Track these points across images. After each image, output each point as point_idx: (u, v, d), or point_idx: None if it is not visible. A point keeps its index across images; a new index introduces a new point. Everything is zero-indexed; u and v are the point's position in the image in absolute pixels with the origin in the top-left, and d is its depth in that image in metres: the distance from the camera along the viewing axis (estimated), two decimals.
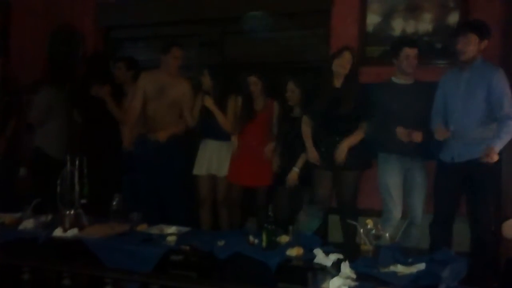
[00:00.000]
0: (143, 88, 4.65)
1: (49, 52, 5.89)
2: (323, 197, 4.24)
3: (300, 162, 4.32)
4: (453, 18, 4.38)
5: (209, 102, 4.56)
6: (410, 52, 4.01)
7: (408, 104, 3.99)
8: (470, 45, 3.70)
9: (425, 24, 4.48)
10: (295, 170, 4.32)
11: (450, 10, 4.41)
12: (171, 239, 3.18)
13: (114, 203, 3.60)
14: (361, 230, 3.10)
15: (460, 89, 3.76)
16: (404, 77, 4.07)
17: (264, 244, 2.97)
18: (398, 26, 4.57)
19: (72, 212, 3.37)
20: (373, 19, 4.65)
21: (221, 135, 4.62)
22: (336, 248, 2.96)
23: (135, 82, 4.79)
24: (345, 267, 2.57)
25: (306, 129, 4.26)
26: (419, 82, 4.08)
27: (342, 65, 4.11)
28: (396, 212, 4.00)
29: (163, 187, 4.65)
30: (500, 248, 3.92)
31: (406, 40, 4.25)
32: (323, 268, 2.70)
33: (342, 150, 4.06)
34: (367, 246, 3.05)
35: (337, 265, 2.66)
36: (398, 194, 4.04)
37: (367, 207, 4.45)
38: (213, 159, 4.64)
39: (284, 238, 3.14)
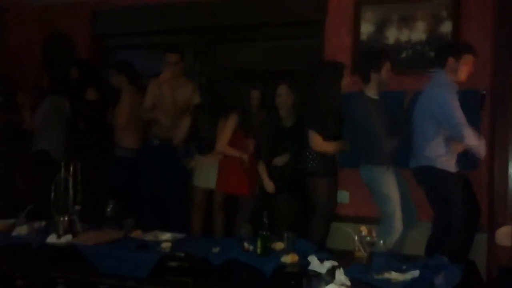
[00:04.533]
0: (152, 94, 4.77)
1: (43, 59, 5.89)
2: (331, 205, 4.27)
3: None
4: (446, 27, 4.43)
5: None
6: (390, 65, 4.05)
7: (385, 116, 4.04)
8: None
9: (418, 33, 4.52)
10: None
11: (443, 19, 4.45)
12: (166, 245, 3.17)
13: (108, 209, 3.60)
14: (356, 237, 3.11)
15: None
16: (378, 91, 4.09)
17: (259, 250, 2.98)
18: (392, 35, 4.61)
19: (66, 218, 3.36)
20: (367, 28, 4.68)
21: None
22: (331, 254, 2.97)
23: (132, 84, 4.89)
24: (340, 274, 2.57)
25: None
26: (381, 94, 4.14)
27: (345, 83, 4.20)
28: (400, 224, 3.94)
29: (165, 192, 4.73)
30: (492, 255, 3.94)
31: (387, 53, 4.24)
32: (317, 275, 2.70)
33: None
34: (361, 253, 3.06)
35: (331, 272, 2.66)
36: (399, 205, 4.00)
37: (359, 214, 4.49)
38: (211, 174, 4.61)
39: (279, 245, 3.15)
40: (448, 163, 3.80)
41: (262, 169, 4.43)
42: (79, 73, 5.13)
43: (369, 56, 4.18)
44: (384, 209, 4.01)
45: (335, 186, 4.30)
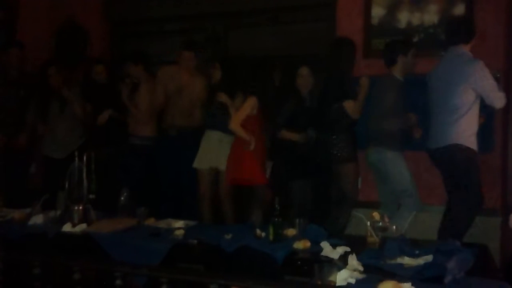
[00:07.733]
0: (163, 84, 4.85)
1: (55, 48, 5.91)
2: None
3: None
4: (459, 9, 4.36)
5: (224, 98, 4.51)
6: (415, 51, 4.13)
7: (405, 98, 4.10)
8: None
9: (430, 15, 4.45)
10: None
11: (455, 1, 4.38)
12: (179, 233, 3.20)
13: (122, 198, 3.63)
14: (368, 223, 3.11)
15: None
16: (403, 73, 4.15)
17: (271, 237, 2.99)
18: (404, 18, 4.55)
19: (80, 207, 3.41)
20: (378, 11, 4.63)
21: (223, 126, 4.53)
22: (343, 240, 2.97)
23: (148, 74, 4.94)
24: (352, 260, 2.57)
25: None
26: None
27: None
28: (417, 206, 4.01)
29: (181, 180, 4.79)
30: (506, 239, 3.92)
31: (413, 40, 4.36)
32: (330, 260, 2.70)
33: None
34: (373, 238, 3.06)
35: (344, 258, 2.66)
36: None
37: (370, 199, 4.47)
38: (214, 151, 4.58)
39: (291, 231, 3.15)
40: (474, 142, 3.79)
41: (287, 133, 4.39)
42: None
43: (398, 41, 4.27)
44: (404, 188, 4.05)
45: (358, 171, 4.34)
